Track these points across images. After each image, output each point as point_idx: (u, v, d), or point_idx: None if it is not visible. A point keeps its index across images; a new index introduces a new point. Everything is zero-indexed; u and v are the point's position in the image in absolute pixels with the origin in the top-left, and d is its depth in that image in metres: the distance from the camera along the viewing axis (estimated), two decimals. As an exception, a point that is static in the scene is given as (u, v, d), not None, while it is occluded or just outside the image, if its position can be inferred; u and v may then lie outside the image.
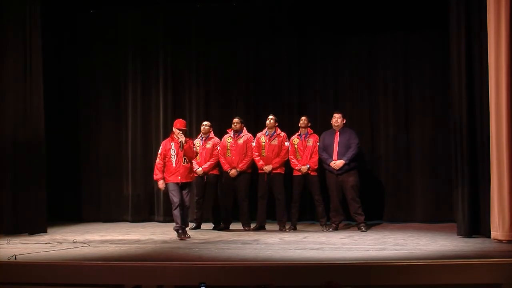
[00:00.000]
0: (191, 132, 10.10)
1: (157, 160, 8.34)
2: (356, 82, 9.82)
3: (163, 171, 8.29)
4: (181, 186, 8.28)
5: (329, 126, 8.96)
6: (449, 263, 5.82)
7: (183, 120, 8.50)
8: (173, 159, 8.27)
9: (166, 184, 8.31)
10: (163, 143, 8.43)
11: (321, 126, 9.37)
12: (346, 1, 9.58)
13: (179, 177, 8.26)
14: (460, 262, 5.86)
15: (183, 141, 8.23)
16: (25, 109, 8.82)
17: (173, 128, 8.39)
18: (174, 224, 8.32)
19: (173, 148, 8.28)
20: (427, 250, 6.87)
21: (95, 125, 10.50)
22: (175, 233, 8.26)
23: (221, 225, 9.09)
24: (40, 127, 8.91)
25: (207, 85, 10.24)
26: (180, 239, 8.11)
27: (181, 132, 8.26)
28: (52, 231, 8.98)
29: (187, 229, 8.44)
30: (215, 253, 6.96)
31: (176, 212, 8.23)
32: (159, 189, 8.60)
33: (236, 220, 9.13)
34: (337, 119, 8.84)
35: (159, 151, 8.37)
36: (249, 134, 9.12)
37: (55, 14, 10.07)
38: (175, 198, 8.24)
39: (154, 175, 8.43)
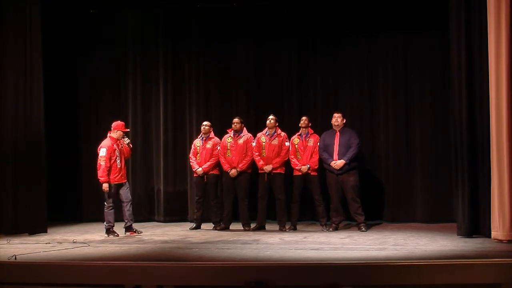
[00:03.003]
0: (191, 132, 10.11)
1: (103, 163, 8.47)
2: (356, 82, 9.82)
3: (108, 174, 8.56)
4: (120, 186, 8.65)
5: (329, 126, 8.96)
6: (449, 263, 5.81)
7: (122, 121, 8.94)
8: (118, 160, 8.57)
9: (110, 185, 8.53)
10: (108, 146, 8.54)
11: (321, 126, 9.37)
12: (346, 1, 9.58)
13: (123, 177, 8.68)
14: (460, 262, 5.86)
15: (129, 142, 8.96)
16: (25, 109, 8.83)
17: (116, 130, 8.67)
18: (111, 226, 8.57)
19: (117, 149, 8.60)
20: (427, 250, 6.87)
21: (95, 124, 10.49)
22: (105, 231, 8.58)
23: (221, 225, 9.08)
24: (40, 127, 8.92)
25: (207, 85, 10.23)
26: (113, 237, 8.47)
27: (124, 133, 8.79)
28: (52, 231, 8.98)
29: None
30: (215, 253, 6.96)
31: (112, 212, 8.56)
32: (103, 191, 8.59)
33: (236, 220, 9.13)
34: (337, 119, 8.84)
35: (104, 154, 8.49)
36: (249, 134, 9.12)
37: (55, 14, 10.06)
38: (111, 201, 8.57)
39: (100, 177, 8.50)
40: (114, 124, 8.78)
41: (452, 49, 7.90)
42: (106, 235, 8.54)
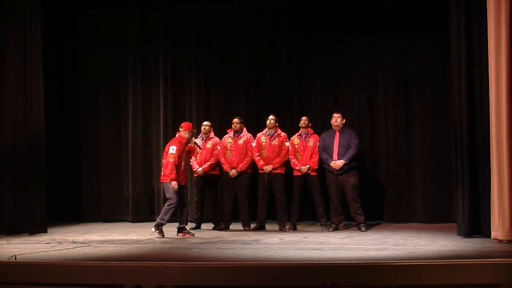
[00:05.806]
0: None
1: (172, 160, 8.35)
2: (356, 82, 9.83)
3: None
4: (180, 188, 8.51)
5: (329, 126, 8.97)
6: (449, 263, 5.81)
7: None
8: (183, 162, 8.52)
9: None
10: (178, 145, 8.44)
11: (321, 126, 9.37)
12: (346, 1, 9.58)
13: (184, 179, 8.62)
14: (460, 262, 5.86)
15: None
16: (25, 109, 8.82)
17: (187, 131, 8.55)
18: (162, 223, 8.43)
19: (184, 151, 8.54)
20: (427, 250, 6.86)
21: (95, 125, 10.50)
22: (154, 226, 8.47)
23: (221, 225, 9.08)
24: (40, 127, 8.91)
25: (207, 85, 10.24)
26: (159, 234, 8.37)
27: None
28: (52, 231, 8.98)
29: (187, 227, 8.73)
30: (215, 253, 6.96)
31: (172, 211, 8.41)
32: (173, 189, 8.38)
33: (236, 220, 9.13)
34: (336, 119, 8.85)
35: (174, 152, 8.36)
36: (249, 134, 9.12)
37: (55, 14, 10.07)
38: (176, 199, 8.39)
39: (170, 174, 8.35)
40: (184, 124, 8.70)
41: (452, 49, 7.90)
42: (153, 230, 8.40)
